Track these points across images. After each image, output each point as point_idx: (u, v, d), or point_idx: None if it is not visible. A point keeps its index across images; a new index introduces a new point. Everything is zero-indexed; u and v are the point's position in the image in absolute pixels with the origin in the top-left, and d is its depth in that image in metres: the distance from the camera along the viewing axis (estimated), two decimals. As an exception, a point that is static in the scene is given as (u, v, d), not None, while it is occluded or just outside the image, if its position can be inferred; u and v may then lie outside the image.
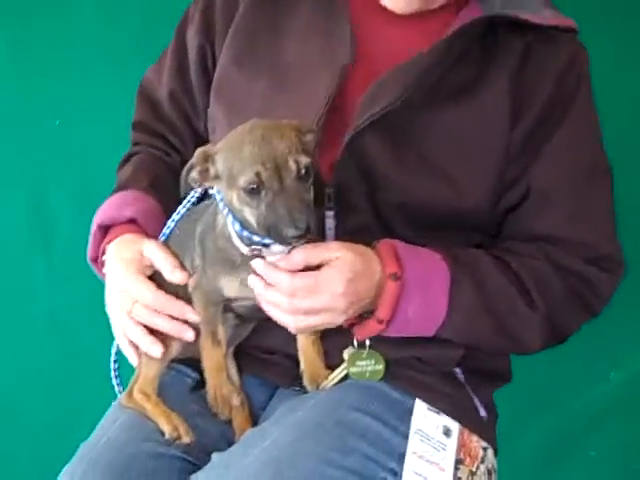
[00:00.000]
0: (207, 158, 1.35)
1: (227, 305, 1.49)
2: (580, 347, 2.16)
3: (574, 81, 1.53)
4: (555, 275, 1.49)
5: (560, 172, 1.51)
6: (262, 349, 1.59)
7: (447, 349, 1.51)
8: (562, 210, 1.51)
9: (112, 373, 1.63)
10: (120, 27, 2.14)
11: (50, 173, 2.22)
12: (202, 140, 1.68)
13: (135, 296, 1.49)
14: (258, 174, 1.28)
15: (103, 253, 1.58)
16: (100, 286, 1.91)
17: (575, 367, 2.30)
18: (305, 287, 1.36)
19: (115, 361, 1.63)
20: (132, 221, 1.59)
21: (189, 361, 1.60)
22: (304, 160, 1.29)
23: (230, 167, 1.32)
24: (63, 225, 2.23)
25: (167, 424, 1.47)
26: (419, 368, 1.51)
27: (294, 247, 1.35)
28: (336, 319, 1.40)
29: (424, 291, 1.42)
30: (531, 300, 1.47)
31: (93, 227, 1.62)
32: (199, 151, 1.37)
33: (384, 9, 1.56)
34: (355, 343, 1.48)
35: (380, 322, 1.42)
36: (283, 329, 1.44)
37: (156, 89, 1.75)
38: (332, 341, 1.49)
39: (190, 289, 1.49)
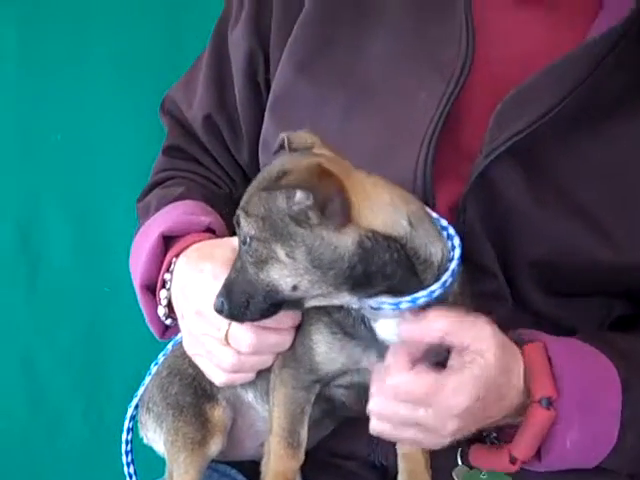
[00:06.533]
0: None
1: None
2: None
3: None
4: None
5: None
6: (334, 452, 1.22)
7: (607, 475, 1.15)
8: None
9: (123, 458, 1.23)
10: (136, 41, 1.87)
11: (45, 193, 1.91)
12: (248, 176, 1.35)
13: None
14: None
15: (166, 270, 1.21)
16: (86, 330, 1.89)
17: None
18: (415, 391, 1.00)
19: (129, 451, 1.23)
20: (209, 231, 1.24)
21: (234, 463, 1.25)
22: (243, 226, 1.00)
23: None
24: (53, 258, 1.93)
25: None
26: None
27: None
28: (435, 442, 1.04)
29: (588, 411, 1.06)
30: None
31: (151, 239, 1.24)
32: None
33: None
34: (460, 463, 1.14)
35: (513, 462, 1.06)
36: (366, 425, 1.07)
37: (185, 112, 1.41)
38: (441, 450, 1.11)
39: (275, 370, 1.12)
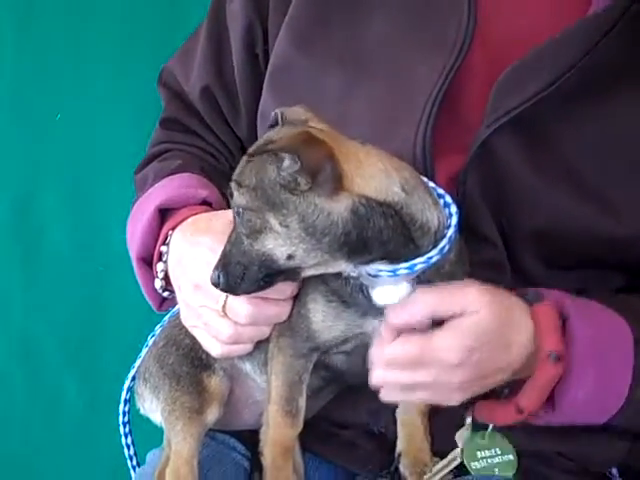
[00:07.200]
0: None
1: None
2: None
3: None
4: None
5: None
6: (333, 421, 1.21)
7: (608, 442, 1.15)
8: None
9: (121, 429, 1.23)
10: (134, 18, 1.86)
11: (43, 173, 1.89)
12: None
13: None
14: None
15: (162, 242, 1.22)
16: (82, 306, 1.89)
17: None
18: (405, 357, 1.01)
19: (126, 422, 1.23)
20: (205, 204, 1.24)
21: (232, 432, 1.24)
22: (236, 197, 1.00)
23: None
24: (49, 236, 1.91)
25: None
26: (561, 466, 1.17)
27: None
28: (448, 397, 1.04)
29: (601, 364, 1.06)
30: None
31: (147, 212, 1.23)
32: None
33: None
34: (469, 420, 1.12)
35: (520, 412, 1.06)
36: (366, 394, 1.08)
37: (182, 85, 1.40)
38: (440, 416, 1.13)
39: (273, 339, 1.12)
